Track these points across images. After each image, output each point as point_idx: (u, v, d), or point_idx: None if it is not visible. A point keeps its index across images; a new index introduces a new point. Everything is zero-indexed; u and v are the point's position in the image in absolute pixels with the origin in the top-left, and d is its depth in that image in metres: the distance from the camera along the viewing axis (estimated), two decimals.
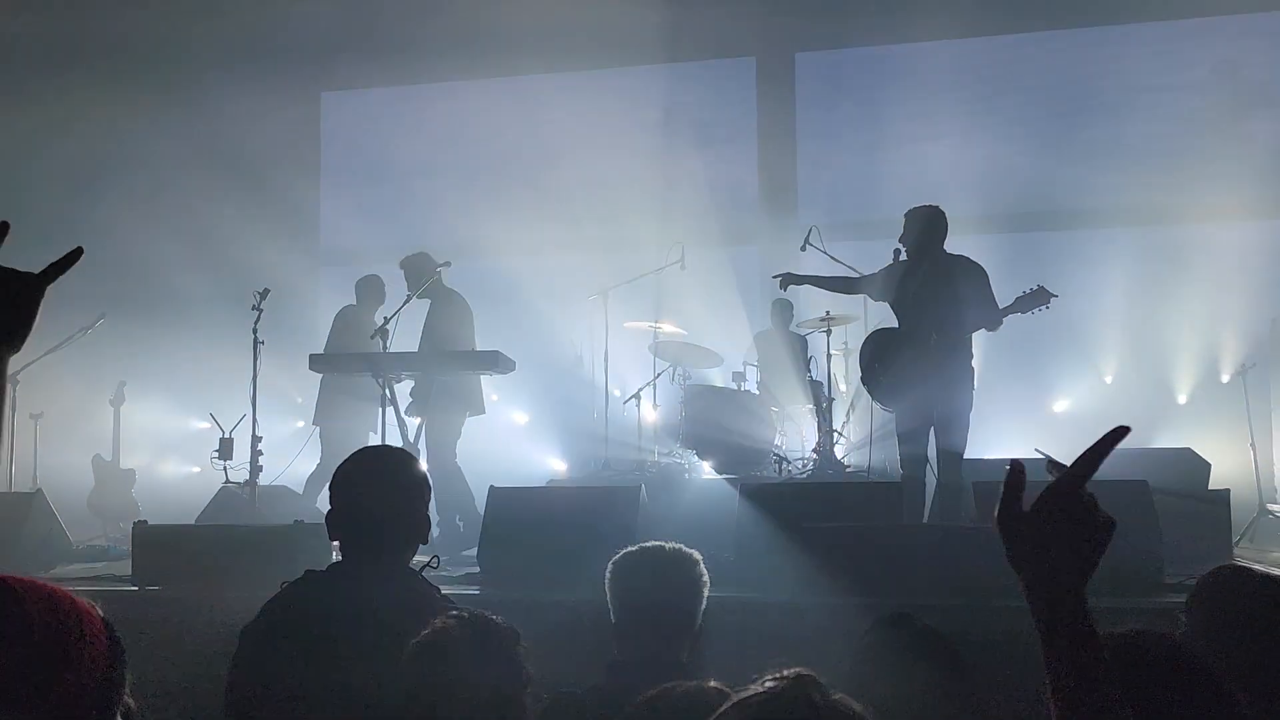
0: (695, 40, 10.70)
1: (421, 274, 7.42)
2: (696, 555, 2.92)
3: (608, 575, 2.89)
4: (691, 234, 9.85)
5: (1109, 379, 9.63)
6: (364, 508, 2.56)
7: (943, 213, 6.20)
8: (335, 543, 2.62)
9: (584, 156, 11.17)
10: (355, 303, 8.27)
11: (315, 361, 6.88)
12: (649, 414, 8.75)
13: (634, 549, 2.94)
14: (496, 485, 5.88)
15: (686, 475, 8.31)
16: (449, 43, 10.74)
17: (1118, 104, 10.15)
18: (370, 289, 8.29)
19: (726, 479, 7.69)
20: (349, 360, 6.89)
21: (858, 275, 6.83)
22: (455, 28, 10.52)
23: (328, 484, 2.66)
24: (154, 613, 4.72)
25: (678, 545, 2.94)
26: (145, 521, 5.58)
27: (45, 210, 10.47)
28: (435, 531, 6.63)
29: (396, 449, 2.86)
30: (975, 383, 6.12)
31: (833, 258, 8.12)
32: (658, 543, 2.96)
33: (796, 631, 4.36)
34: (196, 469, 10.31)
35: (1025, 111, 10.42)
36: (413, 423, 6.79)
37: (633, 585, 2.80)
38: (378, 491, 2.57)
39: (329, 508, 2.61)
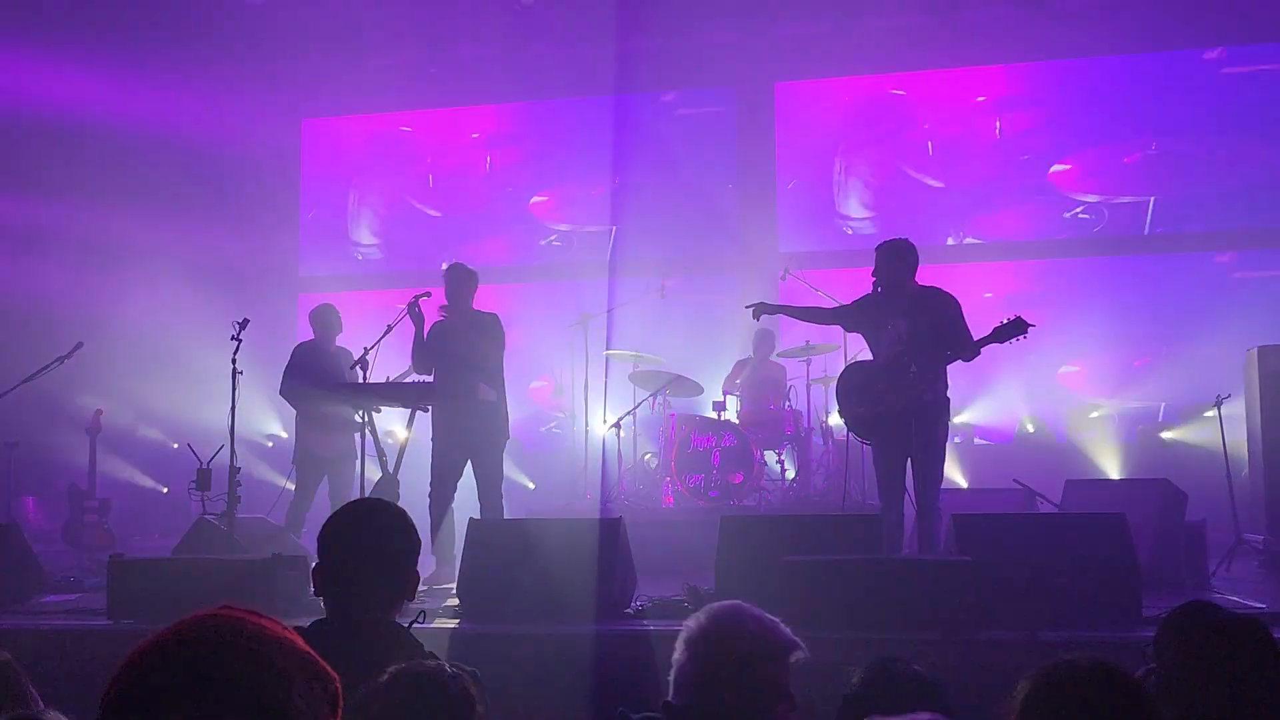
0: (676, 70, 10.77)
1: (462, 291, 6.97)
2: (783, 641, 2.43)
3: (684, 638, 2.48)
4: (672, 263, 9.88)
5: (1095, 415, 9.71)
6: (350, 566, 2.52)
7: (912, 245, 6.24)
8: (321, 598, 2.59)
9: (563, 183, 11.22)
10: (313, 337, 7.94)
11: (290, 394, 6.84)
12: (629, 443, 8.76)
13: (716, 616, 2.47)
14: (475, 517, 5.85)
15: (669, 506, 8.31)
16: (432, 69, 10.78)
17: (1109, 131, 10.28)
18: (324, 319, 7.92)
19: (707, 509, 7.70)
20: (325, 391, 6.84)
21: (834, 305, 6.86)
22: (437, 54, 10.56)
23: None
24: (129, 648, 4.66)
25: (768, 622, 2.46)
26: (121, 554, 5.52)
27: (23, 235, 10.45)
28: None
29: (383, 503, 2.76)
30: (951, 414, 6.15)
31: (812, 287, 8.17)
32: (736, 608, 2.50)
33: None
34: (164, 489, 10.26)
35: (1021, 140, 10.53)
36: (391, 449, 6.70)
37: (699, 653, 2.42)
38: (363, 549, 2.53)
39: (315, 563, 2.59)
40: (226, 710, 1.08)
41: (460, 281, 6.93)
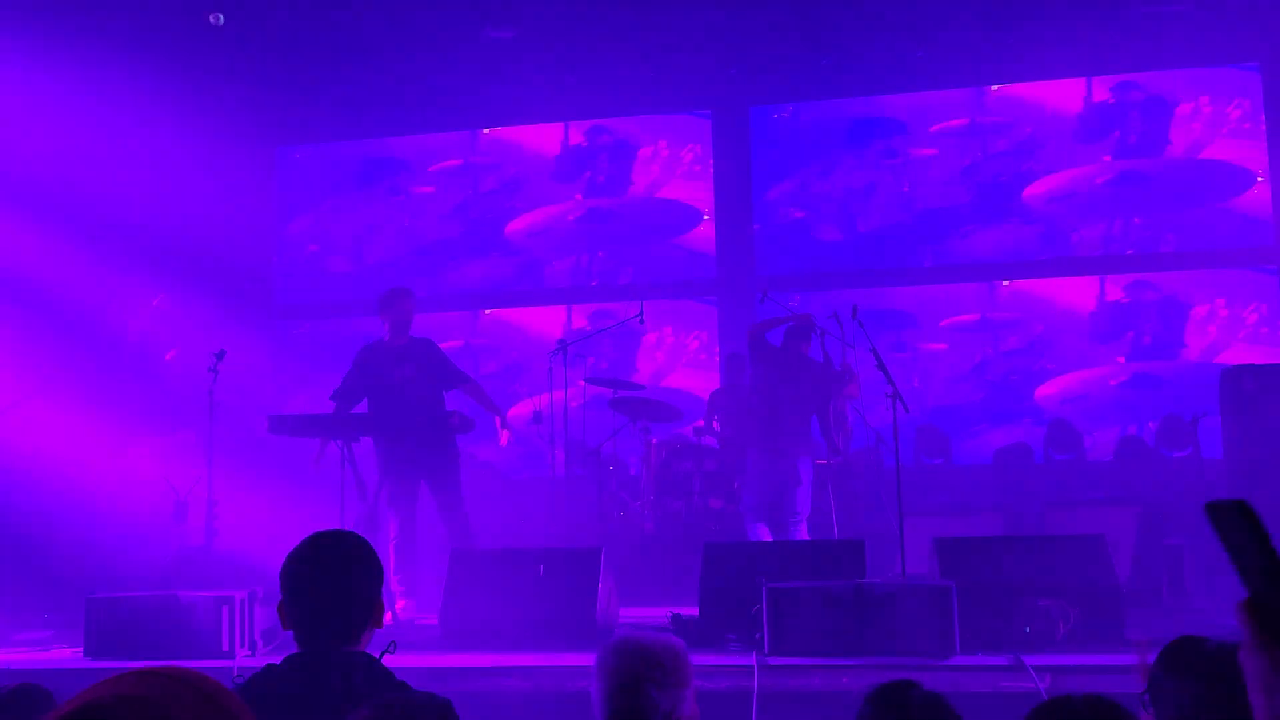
0: (651, 94, 10.80)
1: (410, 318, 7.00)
2: (677, 649, 2.53)
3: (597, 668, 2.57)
4: (650, 288, 9.88)
5: (1075, 435, 9.75)
6: (312, 599, 2.52)
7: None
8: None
9: (540, 209, 11.24)
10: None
11: (274, 424, 6.79)
12: (609, 469, 8.72)
13: (621, 641, 2.57)
14: (456, 548, 5.82)
15: (650, 533, 8.29)
16: (406, 96, 10.75)
17: (1081, 153, 10.36)
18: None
19: (688, 534, 7.69)
20: (305, 423, 6.80)
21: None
22: (411, 81, 10.53)
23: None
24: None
25: (662, 639, 2.56)
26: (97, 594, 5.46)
27: None
28: None
29: (340, 533, 2.70)
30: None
31: (790, 309, 8.20)
32: (639, 635, 2.58)
33: (761, 695, 4.34)
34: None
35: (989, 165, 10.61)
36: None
37: (613, 685, 2.51)
38: (324, 581, 2.53)
39: (279, 599, 2.57)
40: None
41: (411, 307, 7.01)
